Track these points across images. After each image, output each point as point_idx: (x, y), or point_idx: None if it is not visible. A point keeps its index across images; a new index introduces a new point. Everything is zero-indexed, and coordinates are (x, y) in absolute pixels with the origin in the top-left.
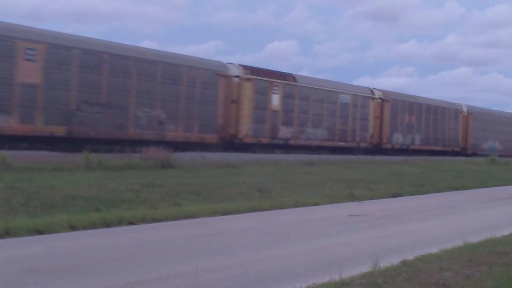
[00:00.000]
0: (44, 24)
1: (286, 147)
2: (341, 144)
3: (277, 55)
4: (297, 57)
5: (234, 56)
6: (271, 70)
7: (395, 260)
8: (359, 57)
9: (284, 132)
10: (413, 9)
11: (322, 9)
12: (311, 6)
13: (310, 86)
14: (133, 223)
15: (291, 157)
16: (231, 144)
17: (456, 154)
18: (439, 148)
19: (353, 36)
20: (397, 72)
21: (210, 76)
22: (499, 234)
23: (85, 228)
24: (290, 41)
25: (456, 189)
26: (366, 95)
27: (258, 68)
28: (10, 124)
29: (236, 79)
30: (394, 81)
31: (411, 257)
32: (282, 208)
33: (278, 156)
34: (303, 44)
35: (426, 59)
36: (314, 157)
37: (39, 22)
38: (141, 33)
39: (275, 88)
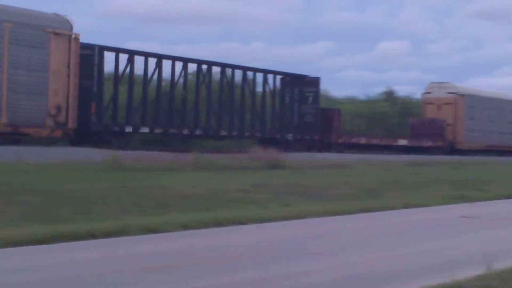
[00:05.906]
0: None
1: None
2: None
3: (388, 55)
4: (408, 57)
5: (345, 56)
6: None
7: (510, 263)
8: (470, 56)
9: None
10: None
11: (434, 8)
12: (422, 6)
13: None
14: (243, 223)
15: (397, 157)
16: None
17: None
18: None
19: (464, 36)
20: (509, 72)
21: None
22: None
23: (196, 227)
24: (401, 41)
25: None
26: None
27: None
28: None
29: None
30: (506, 81)
31: None
32: (392, 209)
33: (386, 157)
34: (413, 44)
35: None
36: (422, 157)
37: None
38: (252, 34)
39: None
